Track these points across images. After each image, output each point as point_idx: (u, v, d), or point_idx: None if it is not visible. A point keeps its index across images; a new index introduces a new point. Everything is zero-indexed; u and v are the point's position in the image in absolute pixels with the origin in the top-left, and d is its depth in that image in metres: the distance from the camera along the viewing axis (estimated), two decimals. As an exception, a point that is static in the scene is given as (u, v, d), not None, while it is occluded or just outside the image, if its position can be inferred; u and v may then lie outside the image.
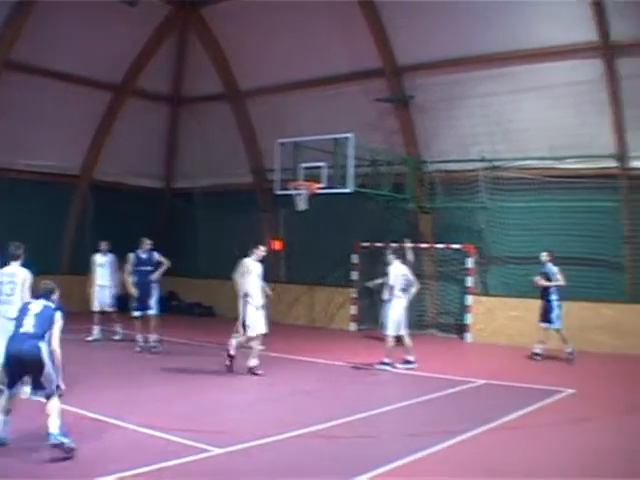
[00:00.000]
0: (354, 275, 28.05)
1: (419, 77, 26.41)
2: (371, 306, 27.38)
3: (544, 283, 21.00)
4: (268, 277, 22.61)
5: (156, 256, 21.53)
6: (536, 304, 22.34)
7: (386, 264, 19.83)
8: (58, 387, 10.21)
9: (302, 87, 28.69)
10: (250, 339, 17.41)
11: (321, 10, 26.73)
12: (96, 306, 22.72)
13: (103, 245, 23.15)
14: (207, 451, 10.30)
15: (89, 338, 22.05)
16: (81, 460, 9.58)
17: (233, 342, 17.51)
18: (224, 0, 28.55)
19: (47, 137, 28.60)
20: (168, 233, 32.03)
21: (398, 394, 15.98)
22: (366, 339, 25.69)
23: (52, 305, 10.79)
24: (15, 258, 14.07)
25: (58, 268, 26.39)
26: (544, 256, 21.28)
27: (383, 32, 26.19)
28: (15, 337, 10.32)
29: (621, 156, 23.19)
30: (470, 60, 24.89)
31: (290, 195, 24.32)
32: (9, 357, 10.17)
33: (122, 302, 22.86)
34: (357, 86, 27.52)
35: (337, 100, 27.68)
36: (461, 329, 26.16)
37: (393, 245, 22.02)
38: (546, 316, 20.99)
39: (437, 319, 26.98)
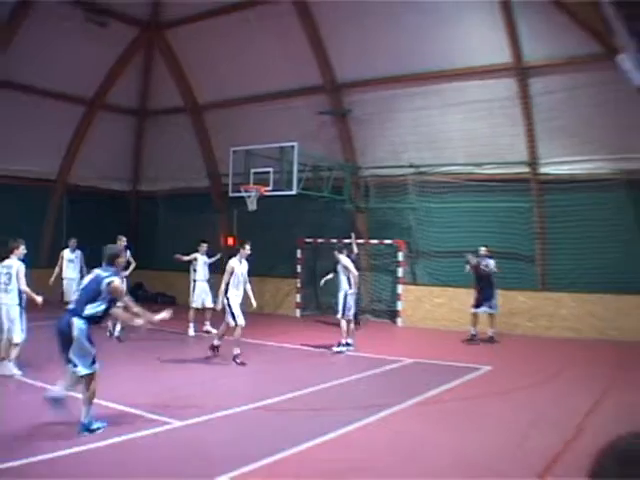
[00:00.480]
0: (298, 267, 27.80)
1: (356, 93, 26.27)
2: (313, 295, 27.54)
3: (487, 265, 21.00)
4: (216, 267, 22.52)
5: (128, 253, 20.38)
6: (456, 292, 23.18)
7: (336, 260, 19.45)
8: (94, 362, 9.76)
9: (253, 101, 28.34)
10: (240, 327, 16.50)
11: (270, 34, 26.40)
12: (67, 297, 21.42)
13: (72, 242, 22.48)
14: (169, 423, 10.28)
15: None
16: (55, 432, 9.53)
17: (213, 335, 17.08)
18: (185, 24, 28.15)
19: (27, 145, 28.04)
20: (135, 231, 31.79)
21: (338, 372, 15.70)
22: (309, 323, 25.51)
23: (105, 273, 10.06)
24: (12, 251, 14.22)
25: (38, 263, 25.79)
26: (483, 250, 21.25)
27: (324, 53, 26.00)
28: (61, 315, 9.96)
29: (532, 163, 23.20)
30: (401, 78, 24.75)
31: (242, 197, 24.23)
32: (55, 334, 9.82)
33: None
34: (301, 101, 27.29)
35: (283, 113, 27.40)
36: (393, 314, 25.96)
37: (341, 241, 21.94)
38: (485, 302, 20.97)
39: (371, 306, 26.71)
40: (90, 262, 22.34)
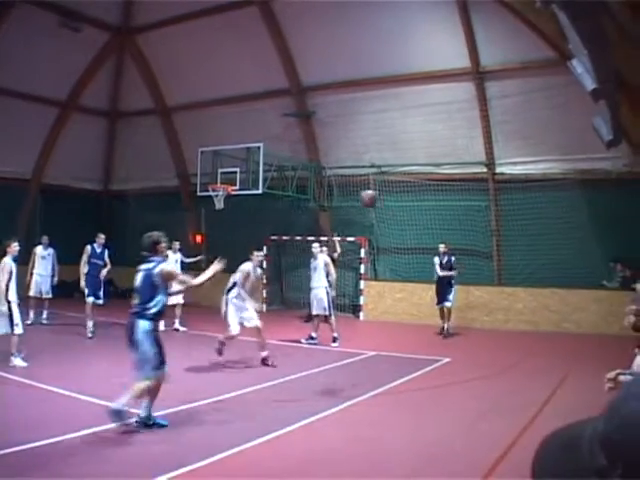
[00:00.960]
0: (264, 264, 27.65)
1: (320, 96, 26.32)
2: (278, 290, 27.57)
3: (449, 273, 20.58)
4: (193, 267, 22.35)
5: (106, 253, 20.18)
6: (416, 287, 23.41)
7: (314, 257, 19.35)
8: (161, 366, 9.48)
9: (220, 104, 28.23)
10: (232, 337, 15.50)
11: (237, 39, 26.29)
12: (35, 292, 21.04)
13: (44, 239, 21.76)
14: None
15: (28, 322, 19.39)
16: (33, 424, 9.32)
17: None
18: (155, 29, 27.99)
19: (2, 146, 27.71)
20: (107, 229, 31.60)
21: (302, 365, 15.47)
22: (274, 318, 25.23)
23: (151, 265, 9.68)
24: (6, 250, 14.43)
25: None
26: (442, 247, 20.80)
27: (290, 58, 26.01)
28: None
29: (489, 163, 23.39)
30: (364, 81, 24.83)
31: (210, 196, 24.25)
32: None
33: (61, 290, 22.24)
34: (267, 103, 27.24)
35: (250, 115, 27.25)
36: (356, 309, 25.94)
37: (321, 239, 21.92)
38: (446, 297, 20.59)
39: (335, 301, 26.71)
40: (63, 259, 22.08)
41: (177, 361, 15.84)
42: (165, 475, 7.41)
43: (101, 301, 19.45)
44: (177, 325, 20.88)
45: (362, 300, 25.83)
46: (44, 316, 21.01)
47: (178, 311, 20.91)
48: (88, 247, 19.84)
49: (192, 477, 7.56)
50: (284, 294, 27.68)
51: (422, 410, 11.16)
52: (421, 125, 24.29)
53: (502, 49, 21.99)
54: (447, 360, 16.23)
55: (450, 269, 20.64)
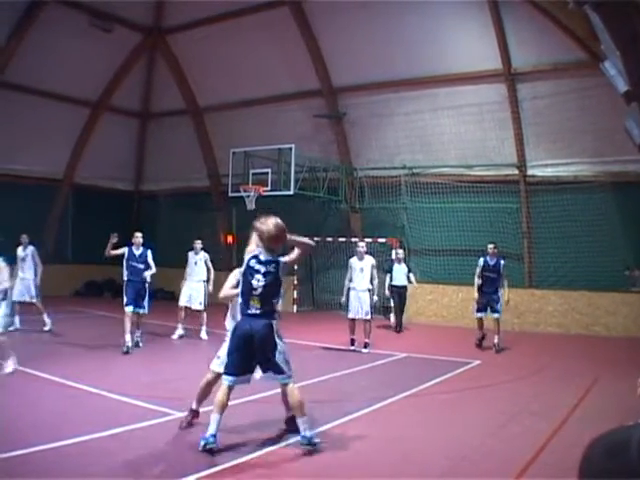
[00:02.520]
0: (295, 265, 27.66)
1: (351, 97, 26.56)
2: (309, 291, 27.58)
3: (507, 296, 18.50)
4: (222, 267, 22.34)
5: (149, 256, 17.46)
6: (446, 289, 23.26)
7: (360, 258, 18.34)
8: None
9: (252, 104, 28.48)
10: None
11: (268, 40, 26.65)
12: (16, 296, 17.57)
13: (23, 238, 19.44)
14: (169, 415, 10.15)
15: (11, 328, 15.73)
16: (64, 422, 9.42)
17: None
18: (186, 29, 28.38)
19: (36, 146, 28.30)
20: (137, 229, 31.69)
21: (333, 366, 15.45)
22: (306, 319, 25.37)
23: (272, 263, 8.67)
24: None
25: (43, 259, 25.71)
26: (491, 247, 18.58)
27: (321, 59, 26.26)
28: (244, 320, 8.60)
29: (520, 165, 23.43)
30: (395, 83, 25.03)
31: (241, 197, 24.46)
32: (238, 341, 8.51)
33: (90, 289, 21.76)
34: (298, 104, 27.56)
35: (281, 116, 27.60)
36: (387, 310, 25.78)
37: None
38: (494, 307, 18.36)
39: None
40: (92, 259, 21.93)
41: (206, 360, 16.01)
42: (194, 475, 7.45)
43: (144, 310, 17.23)
44: (203, 333, 19.26)
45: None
46: (46, 320, 18.93)
47: (200, 318, 19.31)
48: (125, 249, 17.39)
49: (222, 477, 7.61)
50: (315, 295, 27.70)
51: (453, 411, 11.21)
52: (452, 126, 24.45)
53: (533, 51, 22.09)
54: (477, 362, 16.25)
55: (498, 274, 18.38)
